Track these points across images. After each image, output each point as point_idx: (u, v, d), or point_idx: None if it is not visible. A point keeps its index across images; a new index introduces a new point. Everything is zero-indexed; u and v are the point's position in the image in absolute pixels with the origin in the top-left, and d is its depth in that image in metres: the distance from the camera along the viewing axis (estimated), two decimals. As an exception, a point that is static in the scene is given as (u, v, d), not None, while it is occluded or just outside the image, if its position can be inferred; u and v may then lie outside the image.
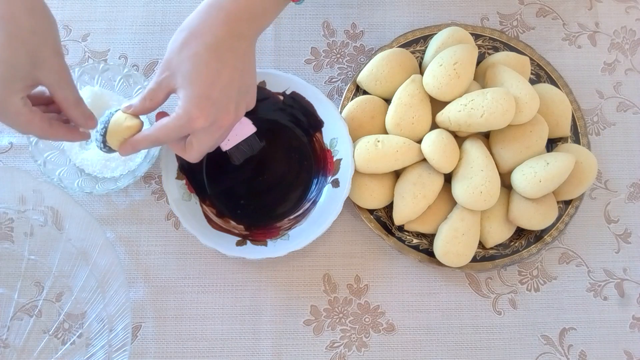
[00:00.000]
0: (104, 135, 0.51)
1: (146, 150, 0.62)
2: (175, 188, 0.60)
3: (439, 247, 0.59)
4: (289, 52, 0.68)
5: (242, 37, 0.49)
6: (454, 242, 0.58)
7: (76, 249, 0.60)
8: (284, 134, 0.65)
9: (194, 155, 0.51)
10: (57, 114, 0.52)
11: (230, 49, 0.48)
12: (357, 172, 0.60)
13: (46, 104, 0.51)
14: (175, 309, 0.61)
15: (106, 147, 0.52)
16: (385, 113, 0.62)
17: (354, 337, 0.60)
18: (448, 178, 0.61)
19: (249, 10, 0.49)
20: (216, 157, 0.60)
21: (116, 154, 0.61)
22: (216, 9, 0.48)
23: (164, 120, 0.49)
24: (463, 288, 0.62)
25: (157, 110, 0.52)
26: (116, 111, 0.51)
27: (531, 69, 0.65)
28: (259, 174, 0.64)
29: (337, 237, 0.63)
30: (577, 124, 0.65)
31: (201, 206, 0.61)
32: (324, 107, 0.62)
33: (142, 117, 0.55)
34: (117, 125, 0.50)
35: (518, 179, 0.59)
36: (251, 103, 0.53)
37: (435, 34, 0.65)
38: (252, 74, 0.52)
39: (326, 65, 0.68)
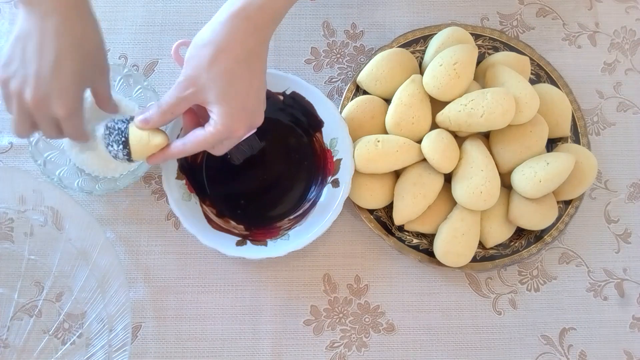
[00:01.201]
0: (128, 155, 0.52)
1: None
2: (175, 188, 0.60)
3: (439, 247, 0.59)
4: (289, 52, 0.68)
5: (266, 42, 0.50)
6: (454, 242, 0.58)
7: (76, 249, 0.60)
8: (284, 134, 0.65)
9: (222, 152, 0.53)
10: None
11: (259, 56, 0.50)
12: (357, 172, 0.60)
13: None
14: (175, 309, 0.61)
15: (132, 161, 0.53)
16: (385, 113, 0.62)
17: (354, 337, 0.60)
18: (448, 178, 0.61)
19: (273, 15, 0.49)
20: (216, 157, 0.60)
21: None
22: (243, 20, 0.47)
23: (200, 135, 0.50)
24: (463, 288, 0.62)
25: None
26: (126, 123, 0.52)
27: (531, 69, 0.65)
28: (259, 174, 0.64)
29: (337, 237, 0.63)
30: (577, 124, 0.65)
31: (201, 206, 0.61)
32: (324, 107, 0.62)
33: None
34: (143, 144, 0.51)
35: (518, 179, 0.59)
36: None
37: (435, 34, 0.65)
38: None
39: (326, 65, 0.68)
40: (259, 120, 0.52)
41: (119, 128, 0.52)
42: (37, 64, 0.47)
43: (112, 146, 0.52)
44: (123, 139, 0.51)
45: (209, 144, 0.51)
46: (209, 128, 0.49)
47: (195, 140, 0.50)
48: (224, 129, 0.49)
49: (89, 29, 0.50)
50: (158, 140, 0.51)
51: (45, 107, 0.48)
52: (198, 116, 0.53)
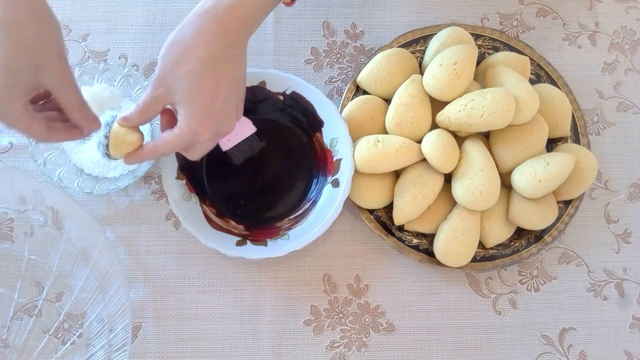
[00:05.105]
0: (106, 148, 0.51)
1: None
2: (175, 188, 0.60)
3: (439, 247, 0.59)
4: (289, 52, 0.68)
5: (237, 45, 0.48)
6: (454, 242, 0.58)
7: (76, 249, 0.60)
8: (284, 134, 0.65)
9: (195, 156, 0.52)
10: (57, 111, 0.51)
11: (227, 59, 0.48)
12: (357, 172, 0.60)
13: (48, 97, 0.50)
14: (175, 309, 0.61)
15: (111, 158, 0.53)
16: (385, 113, 0.62)
17: (354, 337, 0.60)
18: (448, 178, 0.61)
19: (243, 17, 0.47)
20: (216, 157, 0.60)
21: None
22: (209, 21, 0.46)
23: (168, 136, 0.49)
24: (463, 288, 0.62)
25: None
26: (113, 118, 0.51)
27: (531, 69, 0.65)
28: (259, 174, 0.64)
29: (337, 237, 0.63)
30: (577, 124, 0.65)
31: (201, 206, 0.61)
32: (324, 107, 0.62)
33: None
34: (119, 140, 0.51)
35: (518, 179, 0.59)
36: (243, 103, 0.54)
37: (435, 34, 0.65)
38: (245, 77, 0.52)
39: (326, 65, 0.68)
40: (229, 125, 0.50)
41: (107, 121, 0.51)
42: None
43: (96, 137, 0.52)
44: (105, 132, 0.51)
45: (176, 147, 0.50)
46: (176, 130, 0.49)
47: (164, 141, 0.49)
48: (188, 132, 0.48)
49: (25, 13, 0.43)
50: (132, 138, 0.51)
51: None
52: (174, 117, 0.51)
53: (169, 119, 0.51)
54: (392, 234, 0.61)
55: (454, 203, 0.61)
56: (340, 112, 0.63)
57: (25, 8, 0.43)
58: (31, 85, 0.45)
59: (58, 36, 0.46)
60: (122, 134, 0.51)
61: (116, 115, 0.52)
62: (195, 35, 0.46)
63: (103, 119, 0.52)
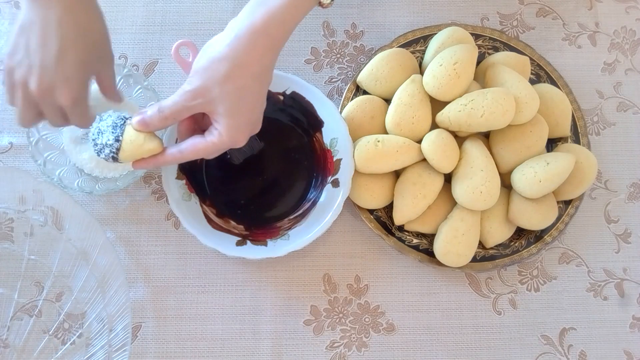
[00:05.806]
0: (116, 152, 0.50)
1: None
2: (175, 188, 0.60)
3: (439, 247, 0.59)
4: (289, 52, 0.68)
5: (278, 54, 0.50)
6: (454, 242, 0.58)
7: (76, 249, 0.60)
8: (284, 134, 0.65)
9: (213, 156, 0.53)
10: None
11: (270, 69, 0.49)
12: (357, 172, 0.60)
13: None
14: (175, 309, 0.61)
15: (116, 162, 0.51)
16: (385, 113, 0.62)
17: (354, 337, 0.60)
18: (448, 178, 0.61)
19: (291, 29, 0.49)
20: (216, 157, 0.60)
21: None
22: (262, 36, 0.47)
23: (200, 143, 0.50)
24: (463, 288, 0.62)
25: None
26: (123, 120, 0.50)
27: (531, 69, 0.65)
28: (259, 174, 0.64)
29: (337, 237, 0.63)
30: (577, 124, 0.65)
31: (201, 206, 0.61)
32: (324, 107, 0.62)
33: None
34: (135, 145, 0.49)
35: (518, 179, 0.59)
36: None
37: (435, 34, 0.65)
38: None
39: (326, 65, 0.68)
40: (258, 128, 0.52)
41: (114, 122, 0.49)
42: (41, 53, 0.47)
43: (100, 139, 0.50)
44: (116, 134, 0.49)
45: (209, 153, 0.50)
46: (212, 138, 0.49)
47: (194, 149, 0.50)
48: (228, 140, 0.49)
49: (92, 19, 0.51)
50: (152, 145, 0.50)
51: (49, 96, 0.48)
52: (195, 123, 0.52)
53: (190, 125, 0.52)
54: (392, 234, 0.61)
55: (454, 203, 0.61)
56: (340, 112, 0.63)
57: (94, 14, 0.51)
58: (93, 72, 0.52)
59: (107, 30, 0.53)
60: (141, 140, 0.49)
61: (127, 118, 0.50)
62: (249, 52, 0.47)
63: (110, 119, 0.50)
